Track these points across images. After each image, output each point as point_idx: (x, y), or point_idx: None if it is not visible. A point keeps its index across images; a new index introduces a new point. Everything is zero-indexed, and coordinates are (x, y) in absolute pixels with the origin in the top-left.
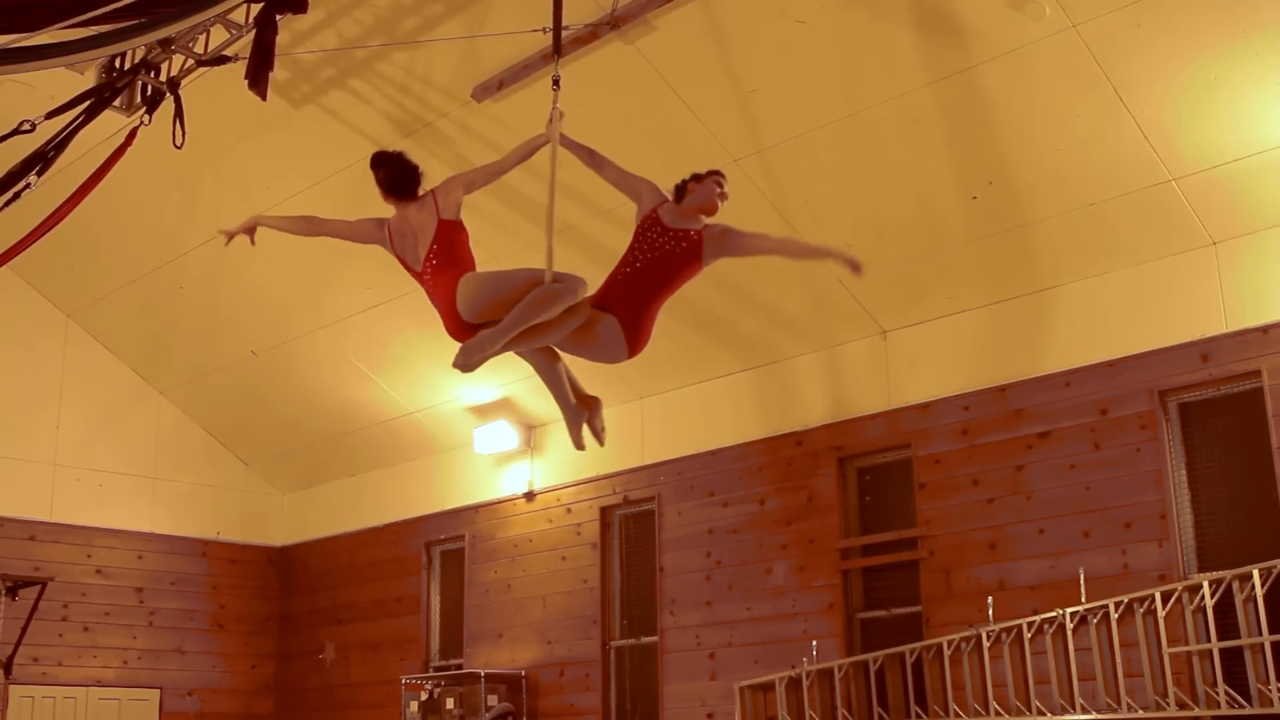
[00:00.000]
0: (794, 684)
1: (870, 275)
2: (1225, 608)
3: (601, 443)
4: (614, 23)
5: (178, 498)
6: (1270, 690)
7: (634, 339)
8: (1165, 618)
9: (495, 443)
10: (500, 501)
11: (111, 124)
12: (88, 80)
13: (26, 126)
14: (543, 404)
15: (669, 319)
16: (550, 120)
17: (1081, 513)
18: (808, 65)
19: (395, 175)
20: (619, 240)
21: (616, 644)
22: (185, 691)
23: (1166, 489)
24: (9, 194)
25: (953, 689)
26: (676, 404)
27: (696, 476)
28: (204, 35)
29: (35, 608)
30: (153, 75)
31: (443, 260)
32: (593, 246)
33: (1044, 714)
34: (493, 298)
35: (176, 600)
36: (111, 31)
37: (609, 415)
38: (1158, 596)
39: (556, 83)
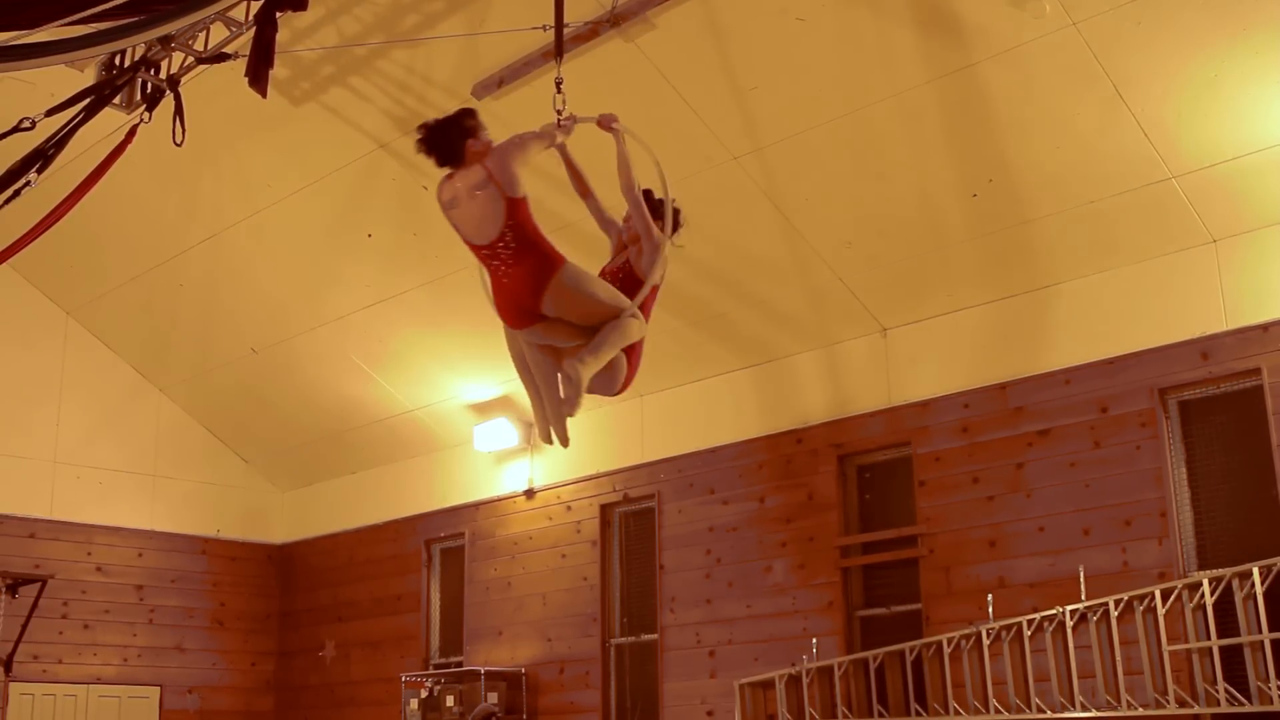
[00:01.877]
0: (794, 681)
1: (870, 273)
2: (1225, 605)
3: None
4: (614, 20)
5: (178, 495)
6: (1270, 688)
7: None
8: (1165, 615)
9: (495, 440)
10: (500, 499)
11: (111, 121)
12: (87, 78)
13: (26, 124)
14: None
15: (669, 316)
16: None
17: (1081, 510)
18: (807, 63)
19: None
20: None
21: (616, 641)
22: (185, 689)
23: (1166, 487)
24: (9, 191)
25: (953, 687)
26: (676, 402)
27: (696, 474)
28: (204, 33)
29: (35, 605)
30: (153, 73)
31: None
32: (592, 243)
33: (1044, 712)
34: (591, 304)
35: (176, 598)
36: (111, 29)
37: (608, 413)
38: (1157, 594)
39: (559, 85)
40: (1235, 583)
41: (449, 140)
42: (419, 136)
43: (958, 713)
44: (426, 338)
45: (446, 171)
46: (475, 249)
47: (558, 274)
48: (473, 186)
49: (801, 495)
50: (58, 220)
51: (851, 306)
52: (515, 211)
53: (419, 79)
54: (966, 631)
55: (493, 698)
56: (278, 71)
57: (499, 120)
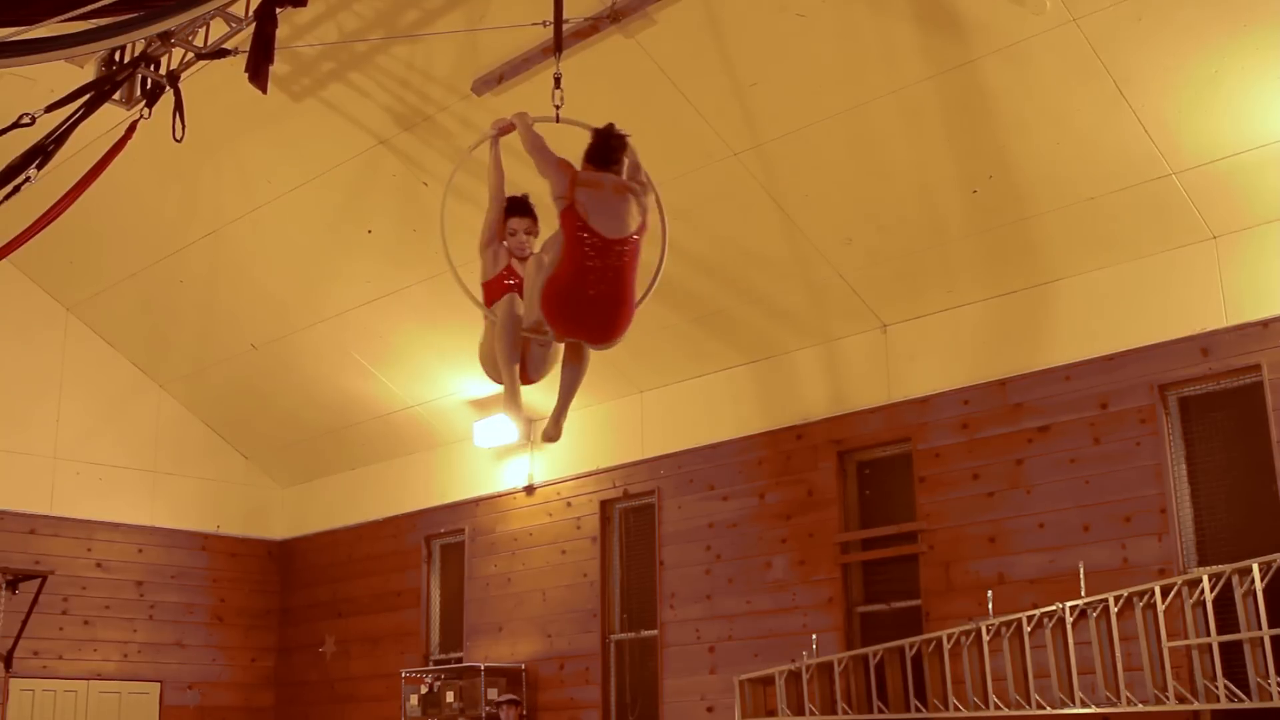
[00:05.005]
0: (794, 677)
1: (870, 269)
2: (1224, 602)
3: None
4: (614, 16)
5: (178, 491)
6: (1269, 684)
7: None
8: (1165, 612)
9: (495, 436)
10: (500, 495)
11: (111, 117)
12: (87, 74)
13: (26, 120)
14: (543, 398)
15: (669, 312)
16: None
17: (1081, 507)
18: (808, 59)
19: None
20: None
21: (616, 638)
22: (186, 685)
23: (1166, 483)
24: (9, 187)
25: (952, 683)
26: (676, 398)
27: (696, 470)
28: (204, 28)
29: (35, 601)
30: (152, 69)
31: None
32: None
33: (1043, 708)
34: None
35: (177, 594)
36: (111, 25)
37: (608, 409)
38: (1157, 590)
39: (558, 81)
40: (1235, 579)
41: (625, 158)
42: (622, 136)
43: (957, 709)
44: (426, 334)
45: (583, 167)
46: (592, 237)
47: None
48: (628, 188)
49: (801, 491)
50: (57, 216)
51: (851, 303)
52: (641, 229)
53: (419, 75)
54: (966, 628)
55: (493, 694)
56: (278, 67)
57: (499, 116)
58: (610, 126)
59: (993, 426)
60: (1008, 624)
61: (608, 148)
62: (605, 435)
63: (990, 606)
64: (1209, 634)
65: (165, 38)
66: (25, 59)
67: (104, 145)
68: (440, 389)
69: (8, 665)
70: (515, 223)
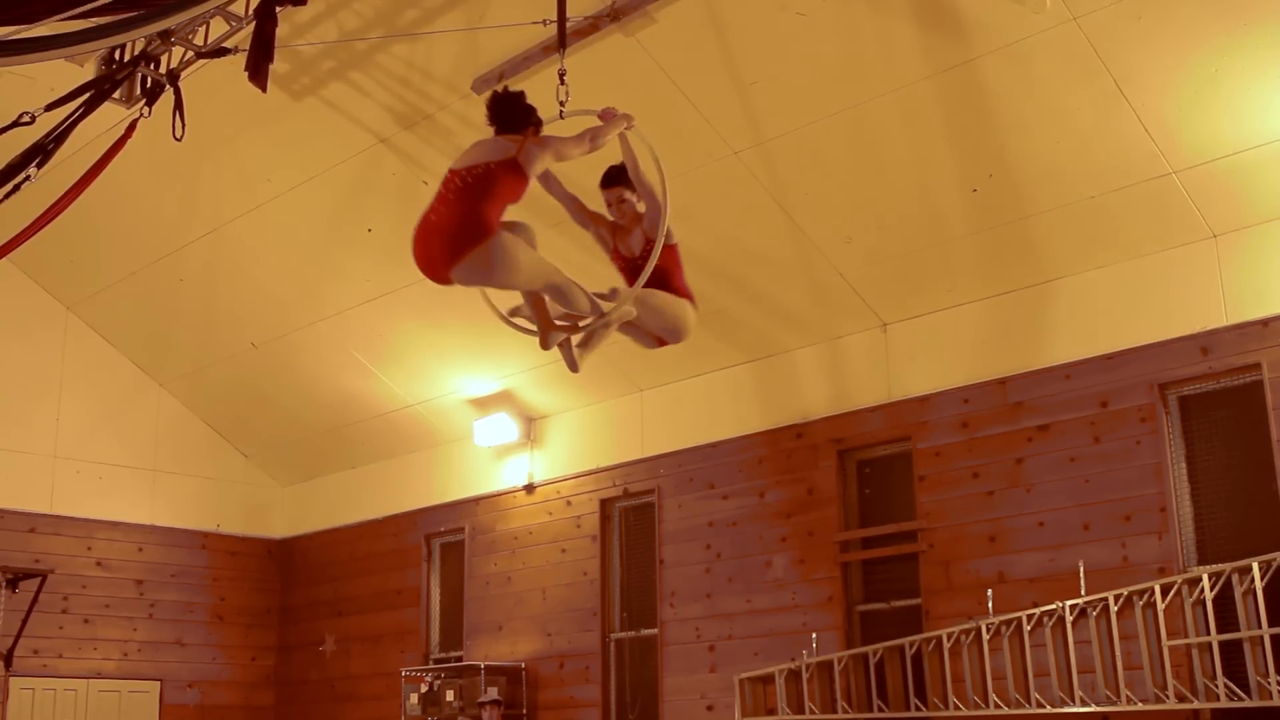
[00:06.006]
0: (794, 676)
1: (870, 268)
2: (1224, 601)
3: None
4: (614, 15)
5: (178, 490)
6: (1269, 683)
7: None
8: (1164, 610)
9: (495, 435)
10: (500, 494)
11: (111, 116)
12: (87, 72)
13: (26, 118)
14: (543, 396)
15: None
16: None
17: (1081, 505)
18: (808, 58)
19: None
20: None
21: (616, 636)
22: (186, 684)
23: (1166, 482)
24: (8, 186)
25: (952, 681)
26: (676, 396)
27: (696, 469)
28: (204, 27)
29: (35, 600)
30: (152, 67)
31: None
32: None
33: (1043, 706)
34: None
35: (177, 592)
36: (111, 23)
37: (608, 408)
38: (1157, 589)
39: (562, 77)
40: (1235, 578)
41: (517, 117)
42: (496, 96)
43: (957, 708)
44: (426, 332)
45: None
46: (449, 174)
47: (482, 244)
48: (507, 141)
49: (801, 490)
50: (57, 215)
51: (852, 301)
52: (505, 168)
53: (419, 74)
54: (966, 626)
55: (493, 692)
56: (278, 66)
57: None
58: (495, 91)
59: (992, 425)
60: (1008, 623)
61: (492, 113)
62: (605, 434)
63: (990, 605)
64: (1209, 633)
65: (165, 36)
66: (25, 58)
67: (104, 144)
68: (440, 388)
69: (8, 664)
70: (607, 195)
